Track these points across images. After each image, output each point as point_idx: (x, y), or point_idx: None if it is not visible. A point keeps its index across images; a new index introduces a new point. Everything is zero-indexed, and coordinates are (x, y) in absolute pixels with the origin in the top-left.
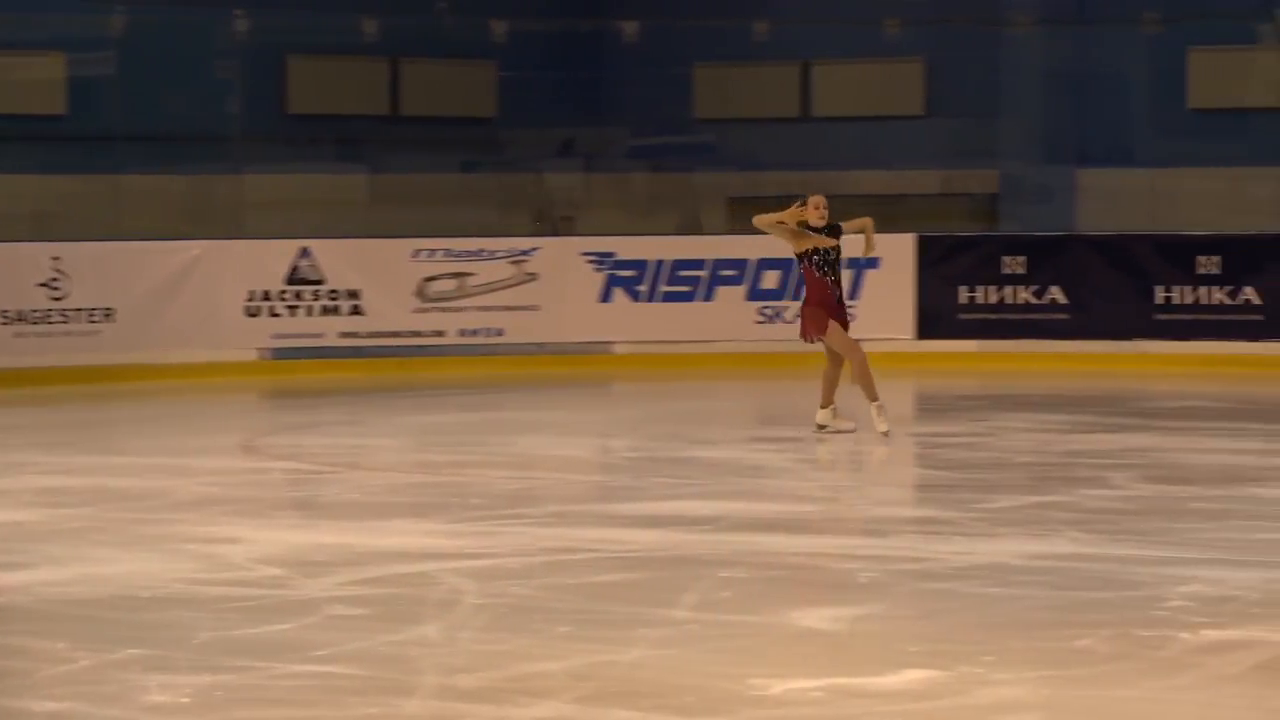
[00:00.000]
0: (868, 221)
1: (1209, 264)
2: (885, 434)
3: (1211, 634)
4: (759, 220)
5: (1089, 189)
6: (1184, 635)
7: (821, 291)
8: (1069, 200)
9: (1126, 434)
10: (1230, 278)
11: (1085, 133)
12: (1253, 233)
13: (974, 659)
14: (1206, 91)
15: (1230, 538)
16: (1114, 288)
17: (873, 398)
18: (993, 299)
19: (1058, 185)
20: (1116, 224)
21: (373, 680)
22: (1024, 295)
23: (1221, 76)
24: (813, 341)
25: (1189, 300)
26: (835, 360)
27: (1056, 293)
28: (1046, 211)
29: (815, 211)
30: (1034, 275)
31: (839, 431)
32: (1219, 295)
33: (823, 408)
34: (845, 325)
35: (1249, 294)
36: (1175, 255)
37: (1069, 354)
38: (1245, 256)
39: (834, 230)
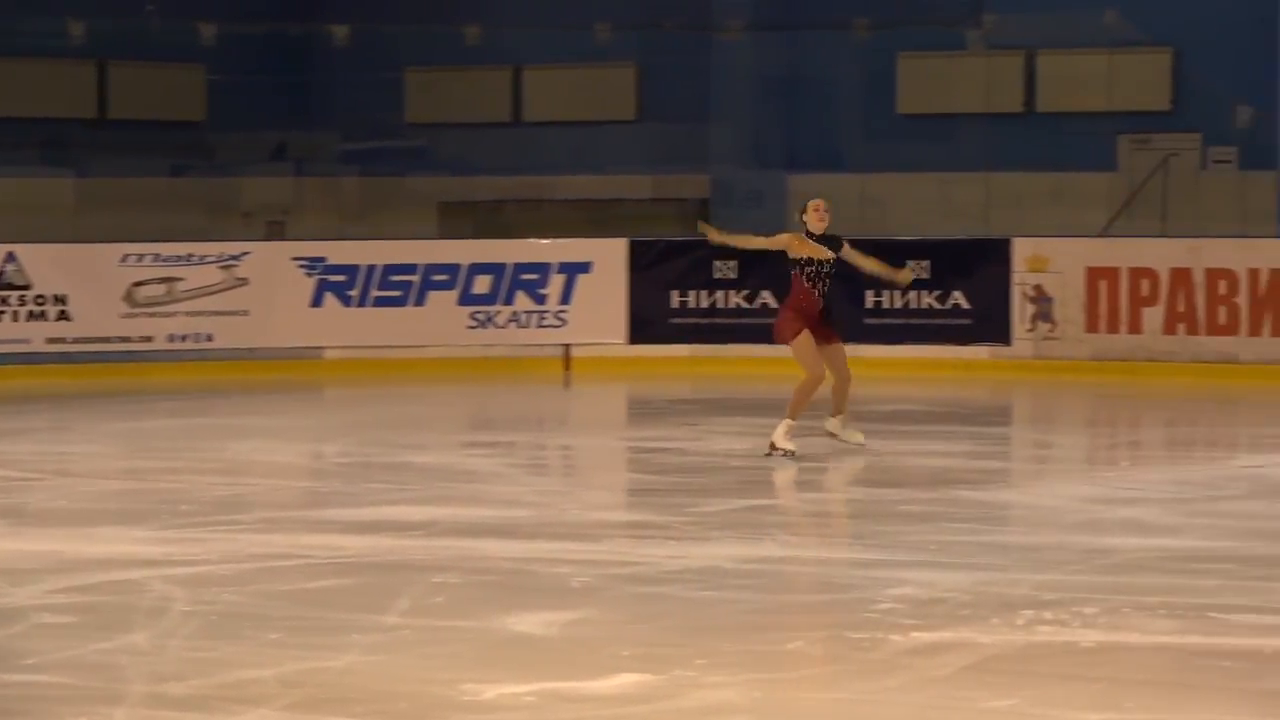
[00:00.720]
0: (879, 269)
1: (920, 269)
2: (770, 452)
3: (921, 636)
4: (743, 242)
5: (799, 193)
6: (894, 637)
7: (805, 300)
8: (780, 204)
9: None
10: (939, 282)
11: (795, 138)
12: (961, 237)
13: (686, 662)
14: (915, 97)
15: (939, 540)
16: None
17: (791, 415)
18: (704, 303)
19: (768, 190)
20: (827, 228)
21: (81, 689)
22: (735, 299)
23: (929, 82)
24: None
25: (899, 305)
26: (837, 373)
27: (768, 297)
28: (758, 215)
29: (815, 214)
30: (745, 280)
31: (847, 441)
32: (928, 300)
33: (833, 416)
34: (829, 339)
35: (958, 298)
36: (885, 259)
37: (781, 359)
38: (954, 261)
39: (834, 243)
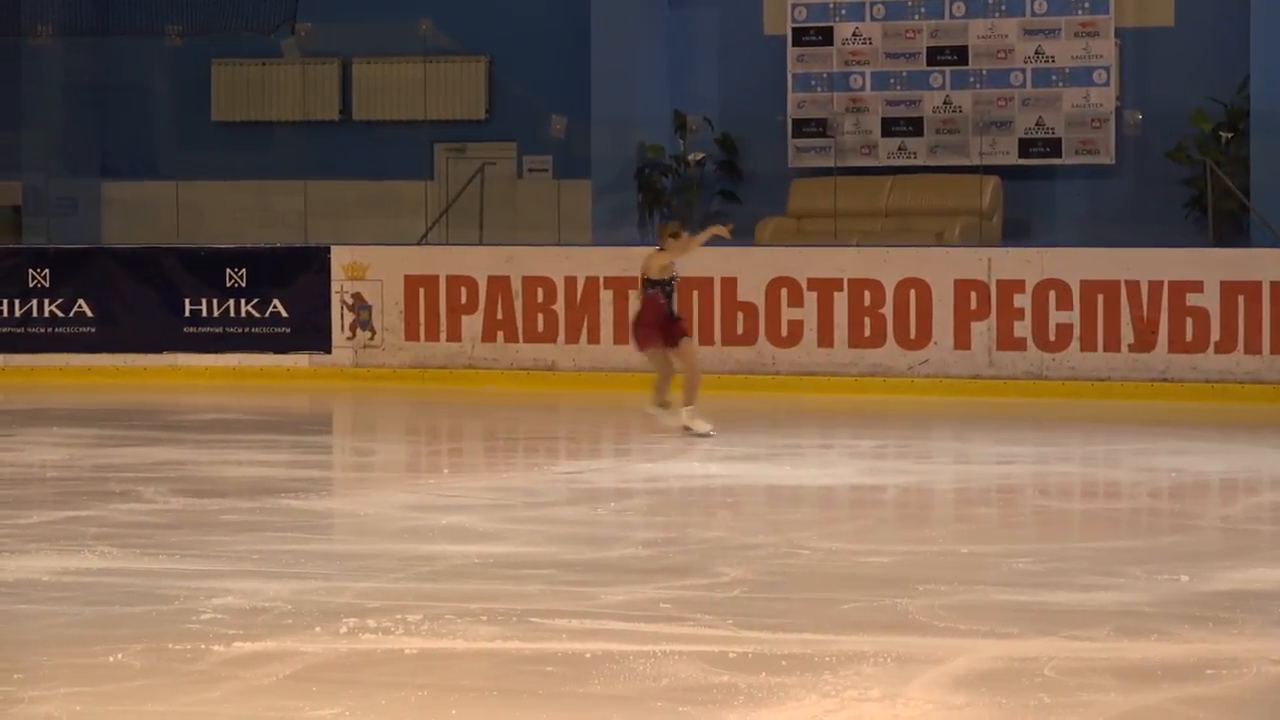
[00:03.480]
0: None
1: (238, 276)
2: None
3: (245, 646)
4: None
5: (114, 201)
6: (217, 648)
7: (660, 313)
8: (94, 212)
9: (156, 447)
10: (258, 290)
11: (109, 144)
12: (279, 245)
13: (4, 678)
14: (230, 104)
15: (262, 549)
16: (142, 300)
17: (687, 402)
18: (18, 312)
19: (82, 197)
20: (143, 236)
21: None
22: (50, 308)
23: (245, 90)
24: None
25: (218, 313)
26: (689, 365)
27: (83, 306)
28: (71, 223)
29: (681, 241)
30: (59, 288)
31: (694, 431)
32: (248, 308)
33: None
34: (678, 338)
35: (277, 306)
36: (204, 268)
37: (98, 367)
38: (272, 269)
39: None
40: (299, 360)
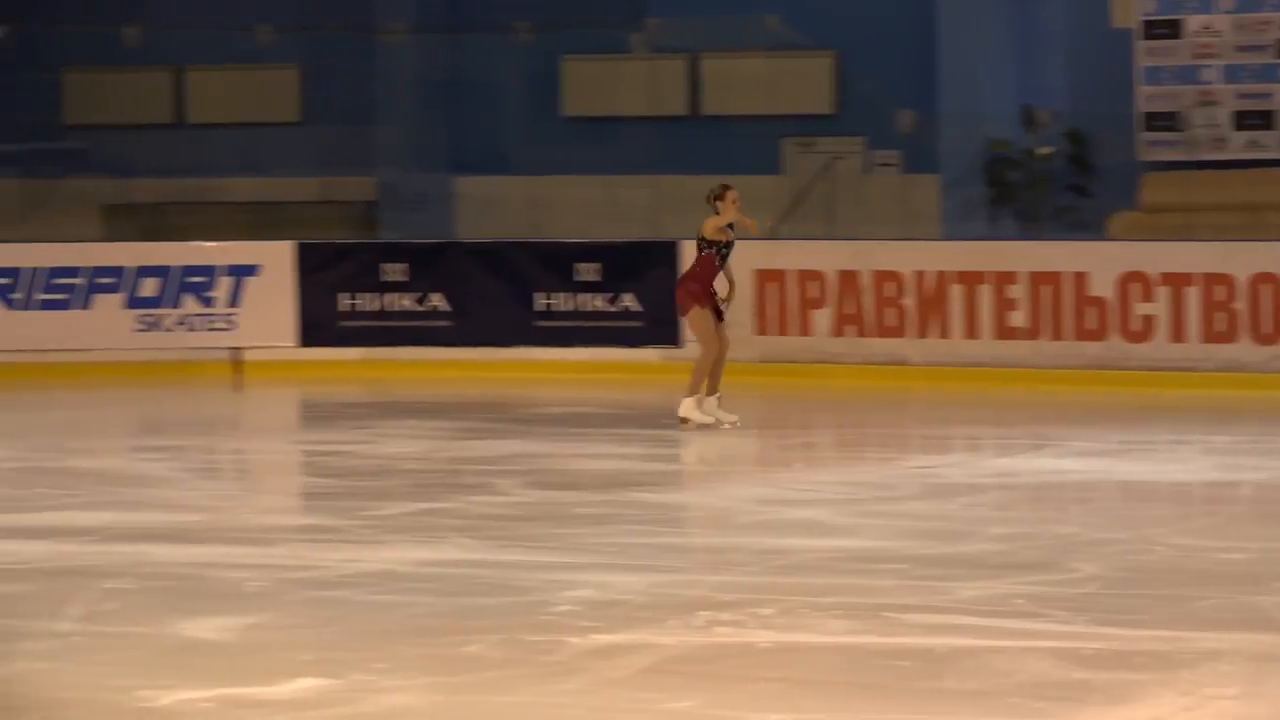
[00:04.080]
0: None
1: (588, 271)
2: (683, 426)
3: (599, 638)
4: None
5: (466, 196)
6: (572, 640)
7: (711, 277)
8: (447, 207)
9: (511, 440)
10: (609, 284)
11: (461, 140)
12: (629, 240)
13: (364, 666)
14: (579, 99)
15: (615, 542)
16: (495, 295)
17: (692, 392)
18: (374, 306)
19: (435, 192)
20: (495, 231)
21: None
22: (405, 302)
23: (594, 85)
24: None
25: (569, 307)
26: (723, 349)
27: (438, 300)
28: (425, 218)
29: (735, 205)
30: (415, 282)
31: (722, 422)
32: (598, 302)
33: (707, 395)
34: (718, 310)
35: (628, 301)
36: (554, 262)
37: (452, 361)
38: (623, 263)
39: (731, 228)
40: (650, 354)
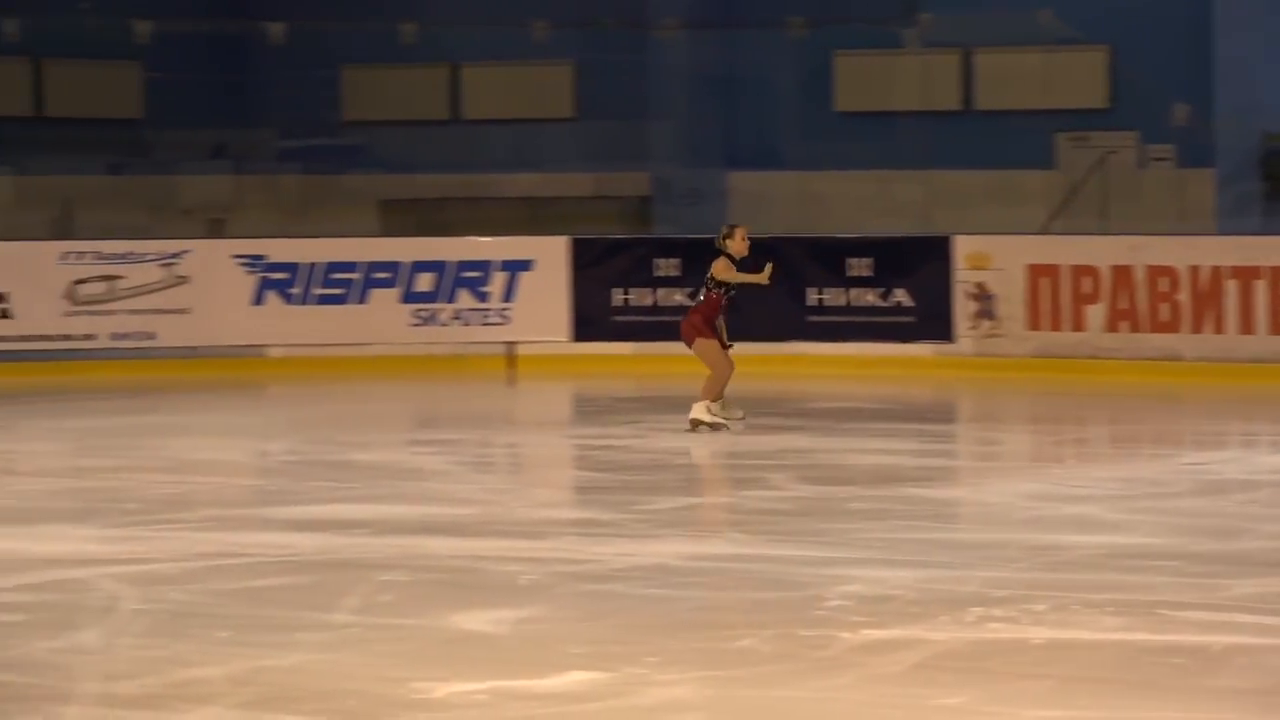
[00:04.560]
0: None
1: (860, 266)
2: (693, 428)
3: (871, 633)
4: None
5: (739, 191)
6: (844, 635)
7: (715, 315)
8: (720, 202)
9: (783, 435)
10: (881, 280)
11: (734, 135)
12: (902, 235)
13: (637, 660)
14: (852, 95)
15: (888, 537)
16: (767, 289)
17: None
18: (647, 301)
19: (708, 187)
20: (767, 226)
21: (31, 687)
22: (678, 297)
23: (867, 80)
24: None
25: (841, 302)
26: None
27: None
28: (698, 213)
29: (744, 242)
30: (688, 277)
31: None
32: (870, 297)
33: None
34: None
35: (900, 296)
36: (827, 257)
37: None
38: (895, 259)
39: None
40: (921, 350)
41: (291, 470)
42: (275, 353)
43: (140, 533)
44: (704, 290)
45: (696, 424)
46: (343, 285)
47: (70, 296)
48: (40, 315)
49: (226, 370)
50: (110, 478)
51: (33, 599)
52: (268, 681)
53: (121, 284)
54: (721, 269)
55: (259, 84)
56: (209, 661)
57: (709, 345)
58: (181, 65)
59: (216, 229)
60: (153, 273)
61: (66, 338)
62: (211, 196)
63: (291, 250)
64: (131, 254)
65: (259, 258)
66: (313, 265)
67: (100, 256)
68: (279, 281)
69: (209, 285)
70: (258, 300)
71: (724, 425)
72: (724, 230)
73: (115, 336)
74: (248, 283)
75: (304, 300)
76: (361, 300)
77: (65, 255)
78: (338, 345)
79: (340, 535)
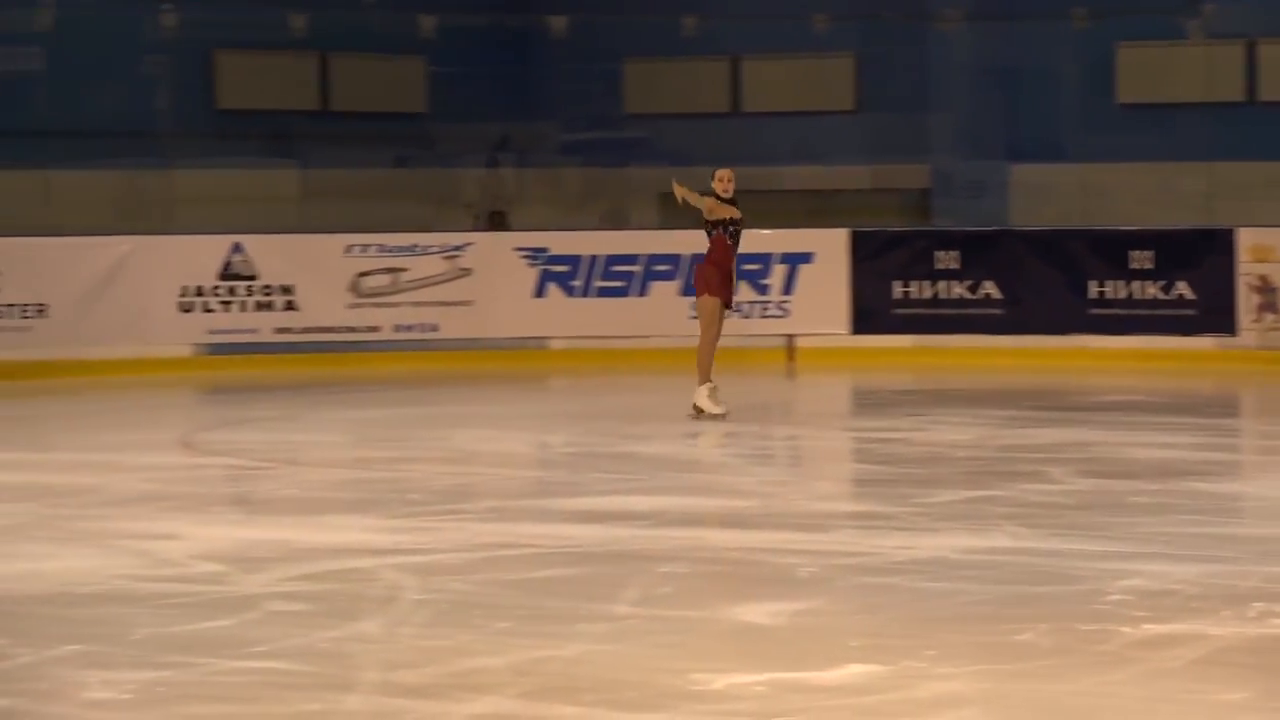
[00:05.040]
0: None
1: (1142, 259)
2: (716, 415)
3: (1152, 628)
4: (679, 187)
5: (1020, 184)
6: (1124, 629)
7: (727, 258)
8: (1001, 195)
9: (1063, 428)
10: (1163, 272)
11: (1016, 128)
12: (1185, 227)
13: (915, 653)
14: (1135, 86)
15: (1169, 532)
16: (1048, 282)
17: (705, 379)
18: (927, 294)
19: (989, 180)
20: (1049, 218)
21: (314, 676)
22: (958, 290)
23: (1149, 71)
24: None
25: (1122, 295)
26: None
27: (990, 287)
28: (978, 206)
29: (721, 185)
30: (968, 270)
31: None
32: (1152, 290)
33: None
34: (729, 301)
35: (1182, 289)
36: (1108, 250)
37: (1004, 349)
38: (1177, 251)
39: (734, 203)
40: (1203, 343)
41: (572, 462)
42: (556, 344)
43: (422, 523)
44: (708, 237)
45: (699, 411)
46: (623, 278)
47: (355, 289)
48: (325, 307)
49: (508, 362)
50: (392, 468)
51: (315, 589)
52: (548, 672)
53: (405, 276)
54: (709, 209)
55: (541, 78)
56: (490, 651)
57: (712, 304)
58: (465, 59)
59: (499, 222)
60: (436, 265)
61: (351, 329)
62: (494, 189)
63: (573, 243)
64: (415, 247)
65: (541, 250)
66: (594, 258)
67: (384, 249)
68: (560, 274)
69: (491, 277)
70: (539, 292)
71: (724, 415)
72: (712, 172)
73: (398, 328)
74: (529, 275)
75: (585, 293)
76: (642, 293)
77: (350, 248)
78: (618, 337)
79: (620, 527)
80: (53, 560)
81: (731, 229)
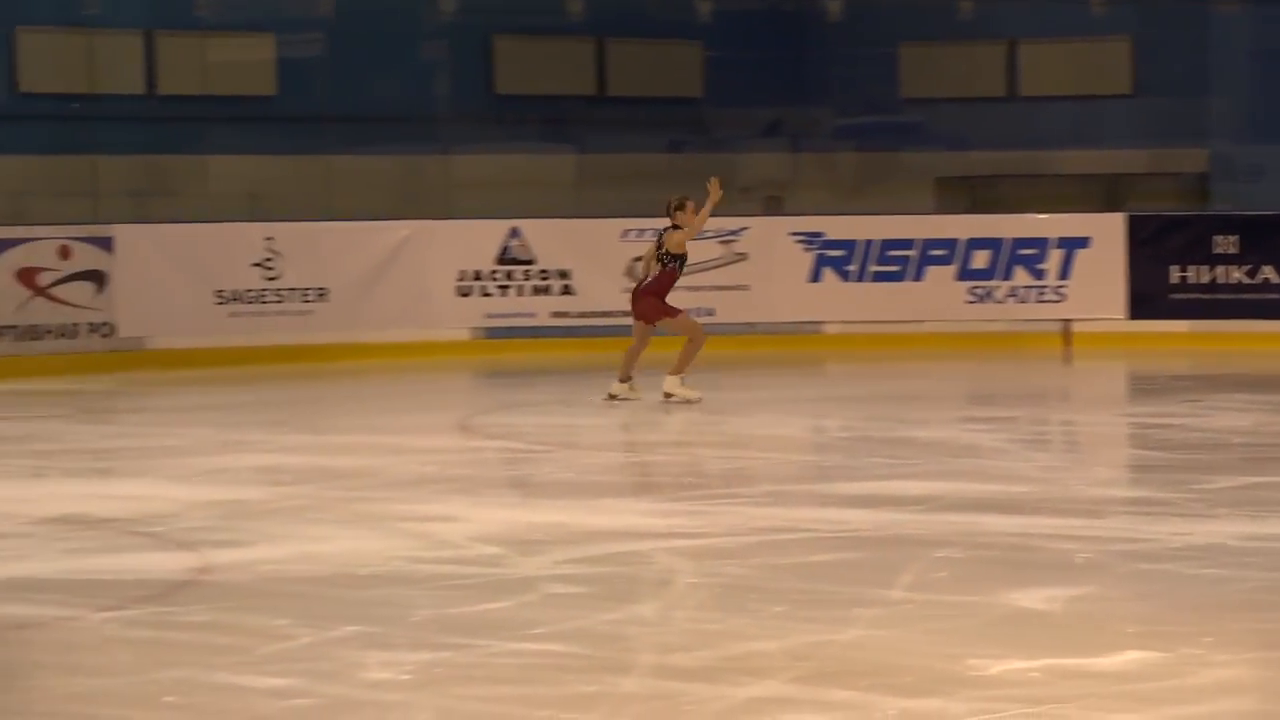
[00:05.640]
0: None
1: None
2: (667, 399)
3: None
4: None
5: None
6: None
7: (667, 289)
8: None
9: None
10: None
11: None
12: None
13: (1192, 640)
14: None
15: None
16: None
17: (680, 371)
18: (1204, 278)
19: (1270, 164)
20: None
21: (589, 658)
22: (1236, 275)
23: None
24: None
25: None
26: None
27: (1270, 272)
28: (1258, 190)
29: (687, 216)
30: (1246, 254)
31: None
32: None
33: (621, 380)
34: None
35: None
36: None
37: None
38: None
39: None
40: None
41: (848, 446)
42: (831, 329)
43: (697, 507)
44: (658, 265)
45: (669, 396)
46: (898, 262)
47: (631, 273)
48: (601, 291)
49: (783, 346)
50: (668, 452)
51: (591, 571)
52: (824, 656)
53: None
54: (678, 243)
55: (817, 62)
56: (765, 636)
57: (680, 321)
58: (741, 44)
59: (774, 207)
60: (711, 250)
61: (627, 313)
62: (769, 174)
63: (848, 227)
64: None
65: (816, 235)
66: (869, 243)
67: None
68: (836, 259)
69: (766, 262)
70: (815, 277)
71: (697, 400)
72: (675, 200)
73: None
74: (804, 260)
75: (860, 277)
76: (917, 277)
77: (625, 233)
78: (893, 322)
79: (896, 511)
80: (333, 542)
81: (682, 264)
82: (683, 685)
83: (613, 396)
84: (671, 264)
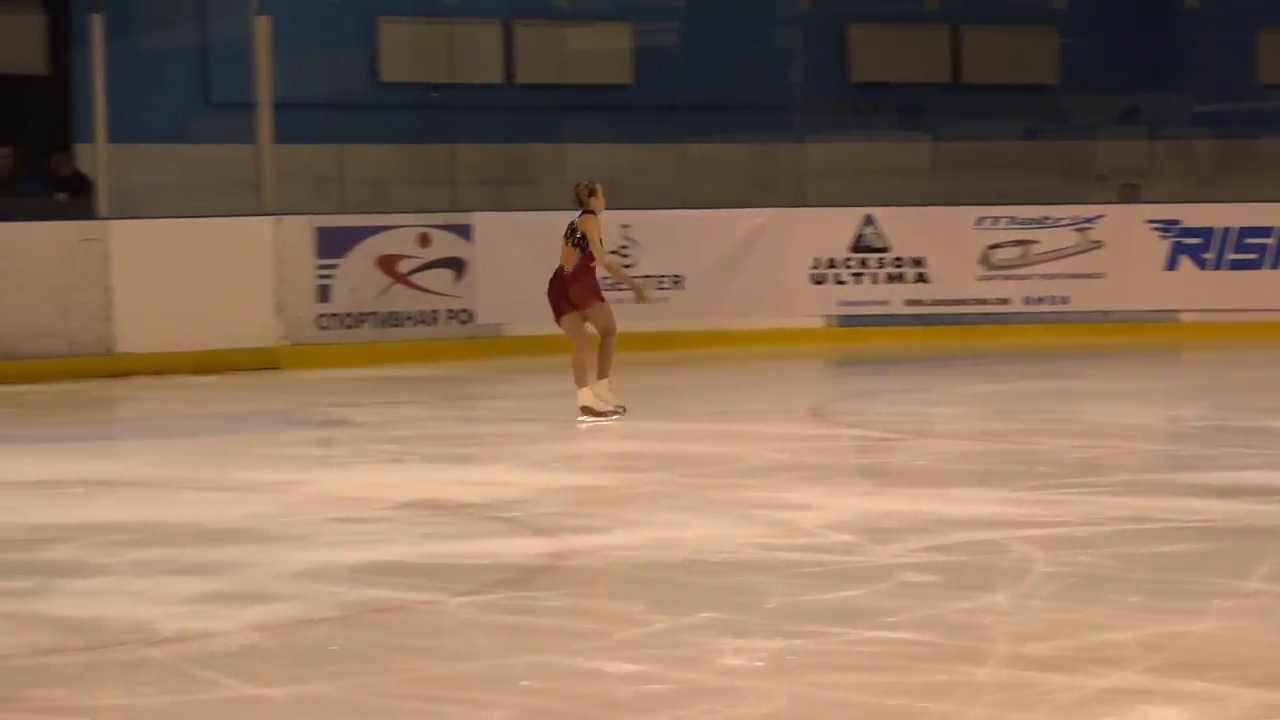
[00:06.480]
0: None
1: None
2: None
3: None
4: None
5: None
6: None
7: (591, 275)
8: None
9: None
10: None
11: None
12: None
13: None
14: None
15: None
16: None
17: (602, 377)
18: None
19: None
20: None
21: (943, 647)
22: None
23: None
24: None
25: None
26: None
27: None
28: None
29: (599, 200)
30: None
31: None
32: None
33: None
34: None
35: None
36: None
37: None
38: None
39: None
40: None
41: (1204, 436)
42: (1187, 318)
43: (1051, 496)
44: (575, 251)
45: (587, 411)
46: (1256, 250)
47: (985, 261)
48: (956, 279)
49: (1138, 335)
50: (1022, 441)
51: (945, 560)
52: (1179, 647)
53: (1035, 249)
54: (596, 228)
55: (1175, 48)
56: (1120, 626)
57: (605, 311)
58: (1097, 30)
59: (1130, 194)
60: (1067, 238)
61: (981, 302)
62: (1125, 161)
63: (1205, 215)
64: (1046, 219)
65: (1173, 223)
66: (1226, 230)
67: (1014, 222)
68: (1192, 247)
69: (1122, 250)
70: (1171, 265)
71: (618, 411)
72: (588, 184)
73: (1028, 301)
74: (1161, 248)
75: (1217, 265)
76: (1275, 265)
77: (980, 220)
78: (1250, 310)
79: (1252, 502)
80: (688, 528)
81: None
82: (1037, 675)
83: (589, 410)
84: (586, 249)
